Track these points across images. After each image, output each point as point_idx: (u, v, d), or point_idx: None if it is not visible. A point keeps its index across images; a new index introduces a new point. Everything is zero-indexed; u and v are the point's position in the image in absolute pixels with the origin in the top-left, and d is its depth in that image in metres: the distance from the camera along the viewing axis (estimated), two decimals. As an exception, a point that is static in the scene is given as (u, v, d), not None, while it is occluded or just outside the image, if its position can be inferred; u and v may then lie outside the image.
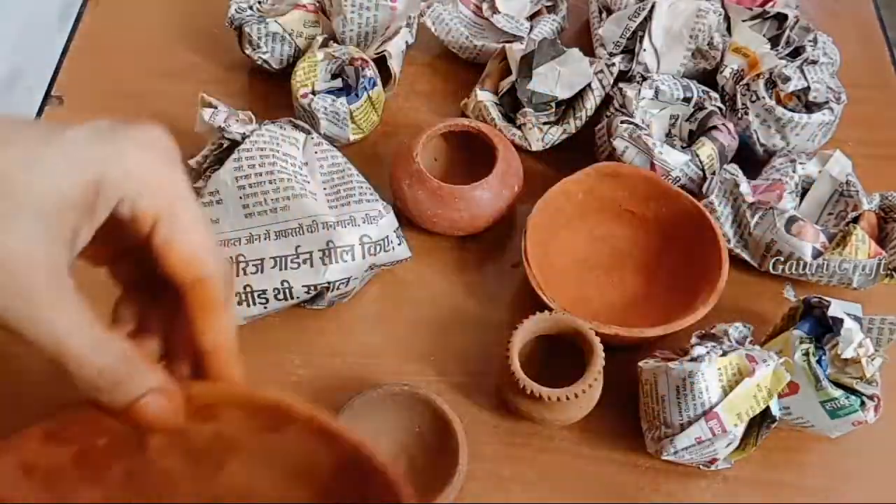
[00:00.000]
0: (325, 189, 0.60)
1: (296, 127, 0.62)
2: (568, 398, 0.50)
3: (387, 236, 0.58)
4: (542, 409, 0.51)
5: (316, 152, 0.62)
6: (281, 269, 0.56)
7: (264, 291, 0.55)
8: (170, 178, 0.32)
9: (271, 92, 0.72)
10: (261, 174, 0.58)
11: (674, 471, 0.54)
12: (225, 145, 0.60)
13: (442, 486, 0.50)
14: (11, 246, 0.28)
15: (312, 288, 0.56)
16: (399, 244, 0.59)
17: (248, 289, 0.55)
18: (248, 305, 0.56)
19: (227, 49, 0.73)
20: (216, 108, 0.60)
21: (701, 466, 0.53)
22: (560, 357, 0.54)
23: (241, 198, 0.57)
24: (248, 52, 0.70)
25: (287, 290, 0.56)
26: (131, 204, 0.31)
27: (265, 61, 0.70)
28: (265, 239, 0.56)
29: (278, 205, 0.57)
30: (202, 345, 0.34)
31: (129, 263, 0.37)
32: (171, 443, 0.38)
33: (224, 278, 0.33)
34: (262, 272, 0.56)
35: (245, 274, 0.56)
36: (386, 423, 0.54)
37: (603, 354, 0.51)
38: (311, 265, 0.56)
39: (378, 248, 0.58)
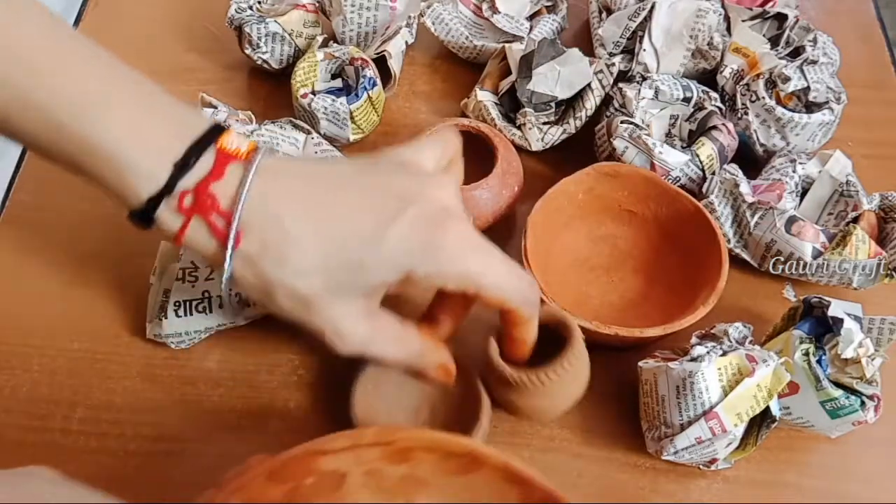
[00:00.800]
0: None
1: (295, 127, 0.62)
2: (542, 381, 0.49)
3: None
4: (524, 397, 0.51)
5: (316, 152, 0.62)
6: None
7: None
8: (472, 265, 0.44)
9: (271, 92, 0.72)
10: None
11: (674, 471, 0.54)
12: None
13: (467, 432, 0.51)
14: (339, 315, 0.45)
15: None
16: None
17: None
18: (249, 305, 0.56)
19: (227, 49, 0.74)
20: (216, 107, 0.60)
21: (701, 466, 0.53)
22: (552, 357, 0.54)
23: None
24: (248, 52, 0.70)
25: None
26: (443, 285, 0.44)
27: (265, 61, 0.70)
28: None
29: None
30: (516, 341, 0.49)
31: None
32: (364, 482, 0.44)
33: (528, 301, 0.47)
34: None
35: None
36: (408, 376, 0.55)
37: (582, 337, 0.51)
38: None
39: None
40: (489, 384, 0.54)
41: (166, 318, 0.55)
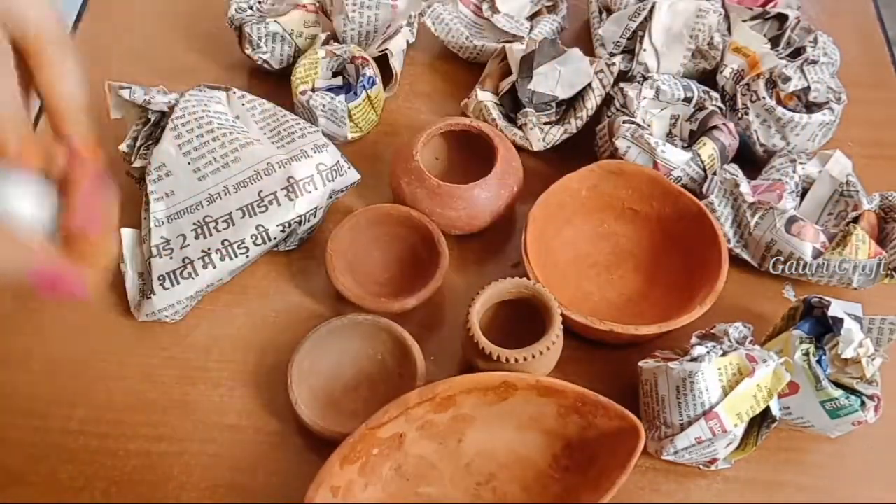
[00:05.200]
0: (265, 134, 0.62)
1: (212, 88, 0.63)
2: (526, 359, 0.51)
3: (337, 161, 0.61)
4: (502, 370, 0.52)
5: (243, 104, 0.63)
6: (252, 216, 0.57)
7: (242, 241, 0.57)
8: None
9: (271, 92, 0.72)
10: (202, 135, 0.59)
11: (674, 471, 0.54)
12: (153, 120, 0.61)
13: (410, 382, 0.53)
14: None
15: (286, 225, 0.58)
16: (349, 168, 0.62)
17: (226, 243, 0.57)
18: (231, 259, 0.57)
19: (227, 49, 0.73)
20: (130, 87, 0.60)
21: (701, 466, 0.53)
22: (531, 335, 0.54)
23: (189, 163, 0.59)
24: (248, 52, 0.70)
25: (264, 234, 0.58)
26: None
27: (265, 61, 0.70)
28: (226, 195, 0.58)
29: (229, 159, 0.59)
30: (52, 100, 0.34)
31: None
32: (420, 435, 0.51)
33: (61, 40, 0.34)
34: (234, 225, 0.57)
35: (218, 231, 0.57)
36: (350, 350, 0.57)
37: (561, 321, 0.52)
38: (279, 204, 0.58)
39: (333, 173, 0.61)
40: (467, 355, 0.54)
41: (154, 294, 0.56)
